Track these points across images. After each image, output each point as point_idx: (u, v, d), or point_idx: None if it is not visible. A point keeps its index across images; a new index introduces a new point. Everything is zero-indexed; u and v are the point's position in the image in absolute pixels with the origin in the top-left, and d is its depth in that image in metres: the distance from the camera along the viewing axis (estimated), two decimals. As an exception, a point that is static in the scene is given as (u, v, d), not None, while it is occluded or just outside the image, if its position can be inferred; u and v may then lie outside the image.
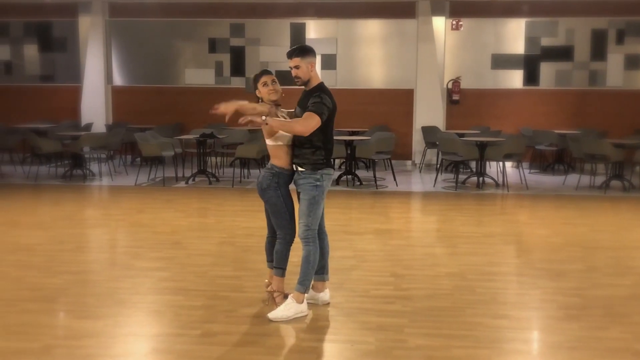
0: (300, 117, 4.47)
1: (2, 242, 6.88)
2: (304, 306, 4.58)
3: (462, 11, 13.25)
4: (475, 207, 9.15)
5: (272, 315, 4.51)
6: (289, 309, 4.52)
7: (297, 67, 4.48)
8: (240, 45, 13.77)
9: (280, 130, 4.46)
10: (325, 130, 4.49)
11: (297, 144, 4.54)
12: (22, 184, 10.90)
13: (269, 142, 4.60)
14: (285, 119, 4.59)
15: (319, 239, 4.63)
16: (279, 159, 4.58)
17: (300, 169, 4.55)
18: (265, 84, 4.58)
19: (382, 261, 6.12)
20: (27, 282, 5.42)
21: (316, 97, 4.42)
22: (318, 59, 15.33)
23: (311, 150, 4.49)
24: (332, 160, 4.67)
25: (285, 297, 4.70)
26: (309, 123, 4.37)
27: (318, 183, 4.51)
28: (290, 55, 4.51)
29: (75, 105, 13.99)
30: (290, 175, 4.64)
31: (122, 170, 12.20)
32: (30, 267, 5.88)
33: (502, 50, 13.35)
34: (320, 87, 4.54)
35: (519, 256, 6.57)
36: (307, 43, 13.38)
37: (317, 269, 4.71)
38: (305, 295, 4.62)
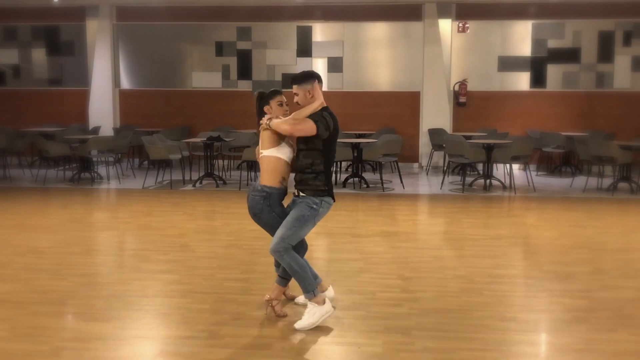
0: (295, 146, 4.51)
1: (11, 244, 6.93)
2: (327, 306, 4.46)
3: (468, 13, 13.25)
4: (482, 209, 9.14)
5: (298, 325, 4.41)
6: (312, 314, 4.42)
7: (296, 94, 4.50)
8: (247, 48, 13.81)
9: (274, 128, 4.38)
10: (326, 154, 4.46)
11: (299, 170, 4.50)
12: (30, 187, 10.96)
13: (268, 152, 4.47)
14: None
15: (297, 254, 4.49)
16: (273, 173, 4.45)
17: (301, 194, 4.50)
18: (280, 104, 4.57)
19: (389, 264, 6.12)
20: (37, 284, 5.46)
21: (317, 113, 4.41)
22: (324, 62, 15.10)
23: (313, 176, 4.45)
24: (332, 190, 4.56)
25: (291, 297, 4.82)
26: (300, 124, 4.33)
27: (315, 206, 4.43)
28: (291, 83, 4.53)
29: (83, 109, 14.06)
30: (281, 193, 4.55)
31: (129, 174, 12.25)
32: (40, 269, 5.92)
33: (508, 52, 13.34)
34: (323, 109, 4.49)
35: (527, 258, 6.56)
36: (314, 46, 13.44)
37: None
38: (321, 294, 4.53)
